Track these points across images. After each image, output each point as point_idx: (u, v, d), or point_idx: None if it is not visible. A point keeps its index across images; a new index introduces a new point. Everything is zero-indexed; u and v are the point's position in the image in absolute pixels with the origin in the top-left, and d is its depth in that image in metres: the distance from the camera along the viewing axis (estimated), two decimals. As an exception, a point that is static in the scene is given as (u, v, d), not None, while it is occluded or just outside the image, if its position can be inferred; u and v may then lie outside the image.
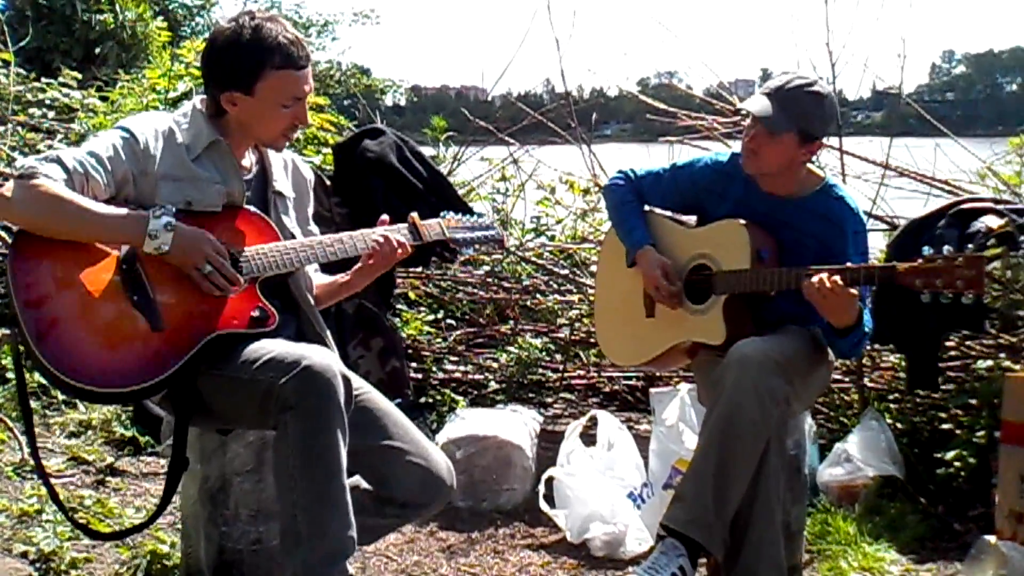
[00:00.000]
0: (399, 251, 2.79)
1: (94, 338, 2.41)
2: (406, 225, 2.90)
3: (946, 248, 2.71)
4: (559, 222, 6.22)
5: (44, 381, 2.51)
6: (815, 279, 2.80)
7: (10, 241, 2.50)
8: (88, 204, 2.43)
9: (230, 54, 2.60)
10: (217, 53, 2.64)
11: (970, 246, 2.85)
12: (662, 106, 5.54)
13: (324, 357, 2.43)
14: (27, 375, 2.61)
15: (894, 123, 5.37)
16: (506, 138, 6.36)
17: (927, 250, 2.72)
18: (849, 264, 2.86)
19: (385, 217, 2.87)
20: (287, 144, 2.78)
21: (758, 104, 3.04)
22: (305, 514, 2.39)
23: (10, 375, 4.58)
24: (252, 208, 2.69)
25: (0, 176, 5.90)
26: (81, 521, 3.44)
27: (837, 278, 2.79)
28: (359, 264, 2.84)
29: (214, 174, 2.64)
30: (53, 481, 3.78)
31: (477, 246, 3.09)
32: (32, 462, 2.70)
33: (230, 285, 2.53)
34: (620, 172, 3.43)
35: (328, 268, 2.96)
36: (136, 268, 2.48)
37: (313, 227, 2.92)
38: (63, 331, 2.38)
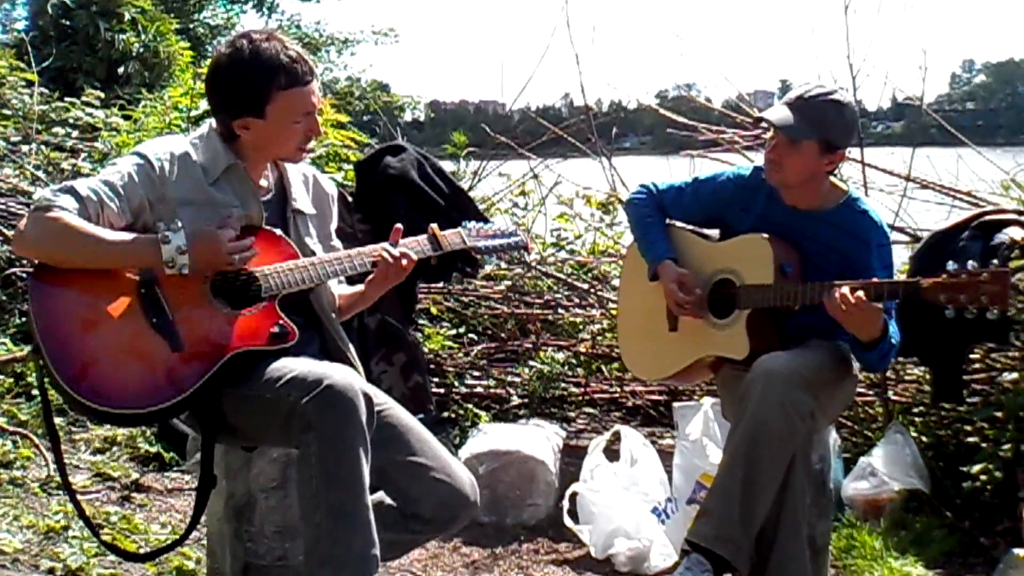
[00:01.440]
0: (404, 262, 2.77)
1: (114, 361, 2.42)
2: (426, 236, 2.90)
3: (970, 263, 2.70)
4: (578, 237, 6.22)
5: (62, 401, 2.52)
6: (837, 295, 2.80)
7: (32, 267, 2.51)
8: (101, 233, 2.44)
9: (235, 81, 2.61)
10: (222, 81, 2.65)
11: (995, 261, 2.83)
12: (682, 119, 5.54)
13: (345, 376, 2.43)
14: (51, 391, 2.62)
15: (914, 133, 5.34)
16: (526, 153, 6.37)
17: (951, 265, 2.71)
18: (874, 279, 2.85)
19: (399, 226, 2.85)
20: (304, 156, 2.78)
21: (778, 114, 3.04)
22: (328, 533, 2.39)
23: (36, 392, 4.61)
24: (270, 228, 2.70)
25: (24, 195, 5.98)
26: (107, 538, 3.46)
27: (860, 293, 2.78)
28: (370, 276, 2.84)
29: (232, 198, 2.65)
30: (80, 498, 3.81)
31: (501, 253, 3.07)
32: (61, 481, 2.71)
33: (255, 252, 2.56)
34: (642, 186, 3.43)
35: (352, 279, 2.97)
36: (155, 290, 2.49)
37: (336, 243, 2.92)
38: (83, 355, 2.39)
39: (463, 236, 2.96)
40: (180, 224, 2.48)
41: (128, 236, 2.48)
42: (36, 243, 2.45)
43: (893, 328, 2.96)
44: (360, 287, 2.91)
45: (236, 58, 2.60)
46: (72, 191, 2.47)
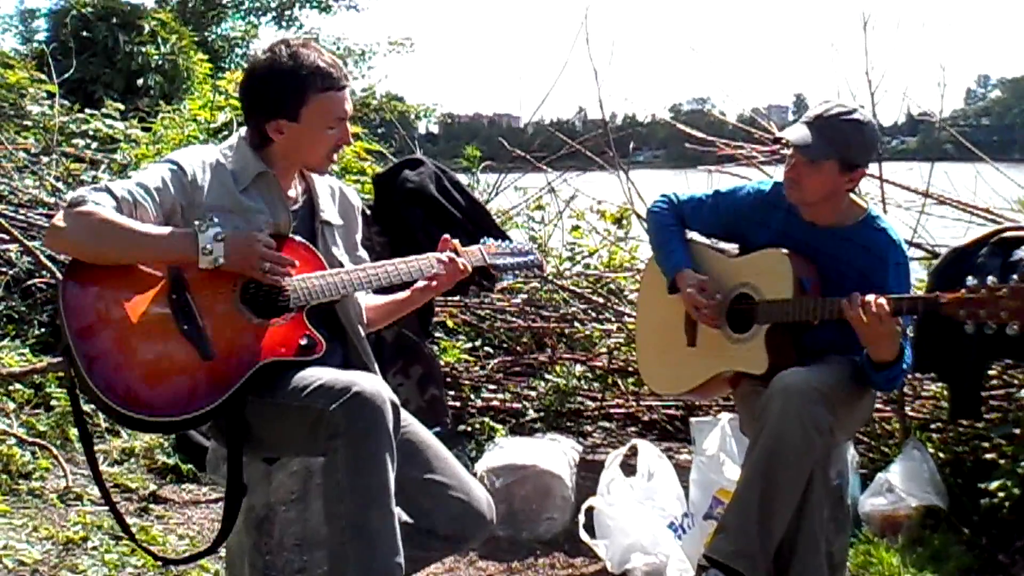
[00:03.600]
0: (461, 273, 2.84)
1: (145, 367, 2.44)
2: (477, 247, 2.98)
3: (990, 278, 2.70)
4: (593, 253, 6.22)
5: (93, 408, 2.54)
6: (859, 301, 2.80)
7: (61, 272, 2.54)
8: (138, 226, 2.47)
9: (272, 83, 2.64)
10: (258, 83, 2.68)
11: (1014, 277, 2.83)
12: (698, 134, 5.55)
13: (373, 384, 2.45)
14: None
15: (930, 149, 5.33)
16: (542, 166, 6.38)
17: (971, 280, 2.71)
18: (894, 294, 2.85)
19: (447, 237, 2.91)
20: (331, 164, 2.81)
21: (797, 133, 3.05)
22: (353, 540, 2.40)
23: (55, 402, 4.63)
24: (298, 237, 2.72)
25: (44, 206, 6.02)
26: (126, 549, 3.48)
27: (882, 301, 2.78)
28: (422, 283, 2.87)
29: (261, 205, 2.67)
30: (99, 509, 3.84)
31: (517, 271, 3.11)
32: (95, 481, 2.72)
33: (291, 271, 2.58)
34: (663, 196, 3.43)
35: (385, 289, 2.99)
36: (185, 297, 2.51)
37: (362, 252, 2.94)
38: (114, 360, 2.41)
39: (482, 253, 2.99)
40: (217, 220, 2.51)
41: (164, 229, 2.50)
42: (71, 237, 2.46)
43: (907, 352, 2.96)
44: (396, 295, 2.94)
45: (274, 61, 2.64)
46: (107, 190, 2.50)
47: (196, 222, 2.50)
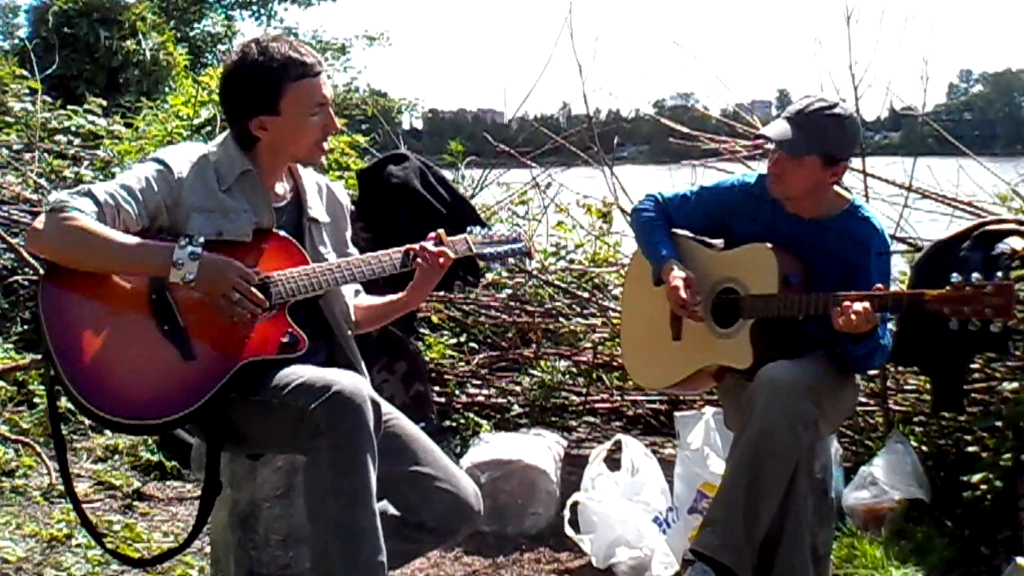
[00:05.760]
0: (441, 260, 2.80)
1: (125, 369, 2.43)
2: (461, 236, 2.94)
3: (974, 275, 2.70)
4: (579, 246, 6.23)
5: (73, 408, 2.53)
6: (847, 311, 2.80)
7: (42, 272, 2.52)
8: (115, 236, 2.44)
9: (246, 81, 2.63)
10: (233, 84, 2.67)
11: (999, 273, 2.84)
12: (682, 129, 5.55)
13: (354, 382, 2.44)
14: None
15: (913, 143, 5.35)
16: (527, 162, 6.38)
17: (955, 277, 2.71)
18: (877, 288, 2.86)
19: (441, 231, 2.88)
20: (323, 154, 2.79)
21: (777, 129, 3.05)
22: (336, 539, 2.40)
23: (38, 400, 4.62)
24: (282, 232, 2.70)
25: (26, 203, 5.99)
26: (109, 546, 3.47)
27: (867, 305, 2.79)
28: (414, 281, 2.85)
29: (244, 204, 2.65)
30: (83, 506, 3.81)
31: (505, 260, 3.07)
32: (64, 489, 2.71)
33: (258, 311, 2.52)
34: (648, 195, 3.43)
35: (378, 289, 2.97)
36: (166, 298, 2.49)
37: (352, 250, 2.92)
38: (94, 362, 2.40)
39: (469, 243, 2.97)
40: (202, 240, 2.49)
41: (143, 241, 2.48)
42: (51, 243, 2.45)
43: (882, 329, 2.96)
44: (391, 296, 2.93)
45: (246, 59, 2.63)
46: (90, 194, 2.48)
47: (181, 239, 2.47)
